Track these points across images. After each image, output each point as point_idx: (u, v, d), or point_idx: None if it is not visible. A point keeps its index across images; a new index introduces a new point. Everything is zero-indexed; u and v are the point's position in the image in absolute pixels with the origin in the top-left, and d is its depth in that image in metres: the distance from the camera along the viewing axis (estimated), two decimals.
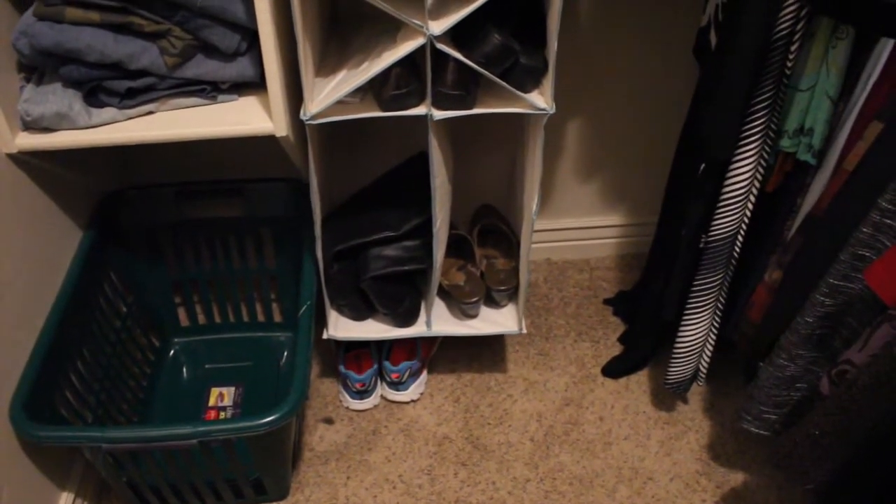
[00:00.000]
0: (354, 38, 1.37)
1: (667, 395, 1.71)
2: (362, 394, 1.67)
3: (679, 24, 1.54)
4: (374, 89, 1.24)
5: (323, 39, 1.35)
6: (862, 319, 1.17)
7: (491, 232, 1.78)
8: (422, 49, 1.15)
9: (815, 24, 1.14)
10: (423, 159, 1.34)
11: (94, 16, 1.18)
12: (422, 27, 1.12)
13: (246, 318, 1.82)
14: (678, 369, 1.57)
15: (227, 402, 1.68)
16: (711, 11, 1.36)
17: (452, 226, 1.66)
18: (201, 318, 1.81)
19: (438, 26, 1.12)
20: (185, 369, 1.77)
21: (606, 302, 1.95)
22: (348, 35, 1.39)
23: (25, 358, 1.28)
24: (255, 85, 1.30)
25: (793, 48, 1.15)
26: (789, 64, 1.17)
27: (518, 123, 1.52)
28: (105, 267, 1.56)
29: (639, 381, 1.76)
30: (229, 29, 1.22)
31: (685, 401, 1.72)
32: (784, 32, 1.14)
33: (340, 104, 1.21)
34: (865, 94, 1.15)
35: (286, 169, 1.53)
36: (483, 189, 1.85)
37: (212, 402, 1.68)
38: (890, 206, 1.08)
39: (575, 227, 1.99)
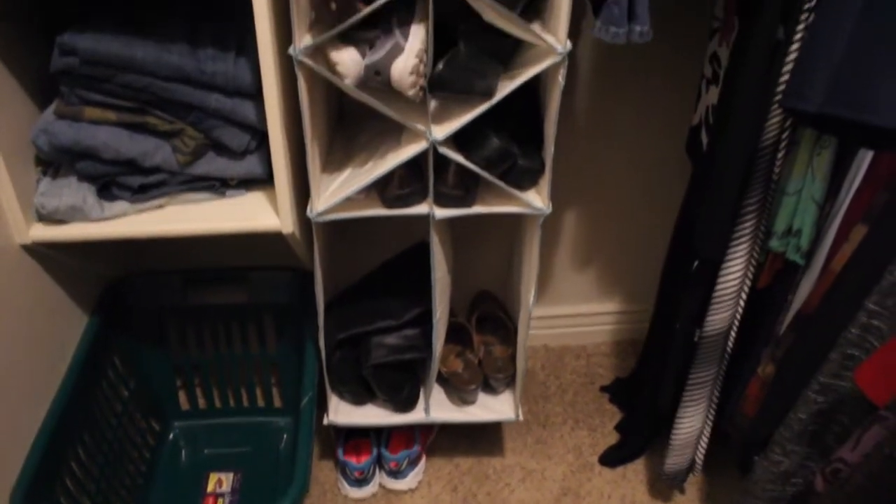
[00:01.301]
0: (359, 135, 1.42)
1: (664, 485, 1.71)
2: (361, 482, 1.67)
3: (673, 122, 1.60)
4: (377, 187, 1.29)
5: (329, 136, 1.41)
6: (853, 417, 1.20)
7: (489, 319, 1.81)
8: (424, 151, 1.20)
9: (799, 133, 1.20)
10: (423, 249, 1.38)
11: (112, 115, 1.24)
12: (425, 132, 1.18)
13: (246, 403, 1.83)
14: (675, 460, 1.58)
15: (226, 488, 1.68)
16: (703, 112, 1.42)
17: (451, 313, 1.69)
18: (201, 402, 1.83)
19: (441, 131, 1.18)
20: (184, 453, 1.78)
21: (603, 389, 1.96)
22: (353, 131, 1.45)
23: (28, 445, 1.29)
24: (263, 180, 1.34)
25: (779, 155, 1.20)
26: (776, 169, 1.22)
27: (516, 216, 1.56)
28: (110, 352, 1.58)
29: (636, 471, 1.77)
30: (240, 129, 1.28)
31: (682, 491, 1.72)
32: (770, 140, 1.20)
33: (345, 200, 1.26)
34: (849, 199, 1.20)
35: (290, 257, 1.57)
36: (481, 275, 1.88)
37: (210, 488, 1.68)
38: (876, 308, 1.12)
39: (572, 314, 2.02)
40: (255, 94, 1.23)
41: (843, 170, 1.21)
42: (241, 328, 1.73)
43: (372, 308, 1.58)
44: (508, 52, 1.18)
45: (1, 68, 1.20)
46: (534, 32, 1.12)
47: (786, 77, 1.12)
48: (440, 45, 1.13)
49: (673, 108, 1.62)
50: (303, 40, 1.11)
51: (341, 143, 1.44)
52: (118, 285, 1.65)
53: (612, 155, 1.75)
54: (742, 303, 1.35)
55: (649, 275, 1.68)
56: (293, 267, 1.66)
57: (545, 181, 1.28)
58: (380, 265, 1.72)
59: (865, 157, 1.17)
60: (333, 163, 1.37)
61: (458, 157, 1.20)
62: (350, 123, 1.50)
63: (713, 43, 1.36)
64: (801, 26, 1.10)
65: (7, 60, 1.21)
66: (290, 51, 1.10)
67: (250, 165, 1.32)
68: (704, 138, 1.41)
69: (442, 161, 1.22)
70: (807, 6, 1.09)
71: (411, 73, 1.11)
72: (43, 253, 1.35)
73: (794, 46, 1.11)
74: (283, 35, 1.13)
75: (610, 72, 1.62)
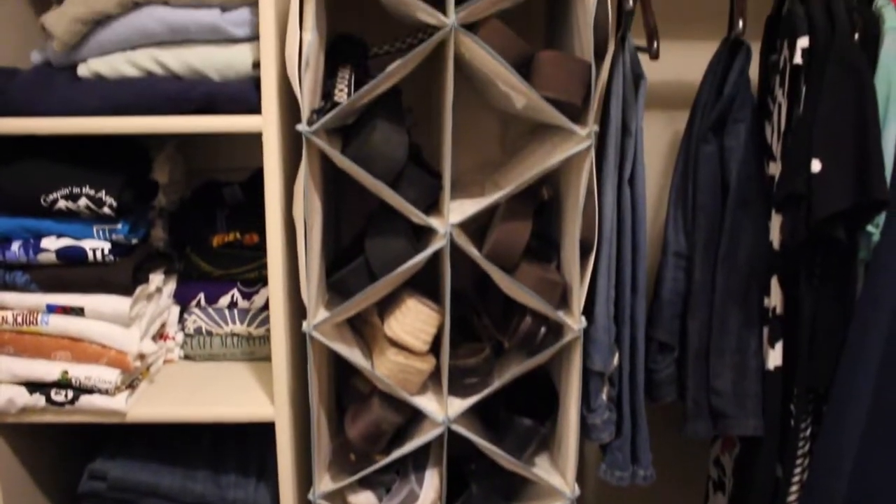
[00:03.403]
0: None
1: None
2: None
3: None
4: None
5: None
6: None
7: None
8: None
9: None
10: None
11: None
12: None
13: None
14: None
15: None
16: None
17: None
18: None
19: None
20: None
21: None
22: None
23: None
24: None
25: None
26: None
27: None
28: None
29: None
30: None
31: None
32: None
33: None
34: None
35: None
36: None
37: None
38: None
39: None
40: None
41: None
42: None
43: None
44: (517, 488, 1.23)
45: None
46: (539, 476, 1.17)
47: None
48: (452, 481, 1.18)
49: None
50: (322, 483, 1.16)
51: None
52: None
53: None
54: None
55: None
56: None
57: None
58: None
59: None
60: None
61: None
62: None
63: (715, 448, 1.41)
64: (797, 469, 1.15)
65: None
66: (310, 495, 1.15)
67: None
68: None
69: None
70: (800, 451, 1.16)
71: None
72: None
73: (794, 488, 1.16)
74: (303, 479, 1.19)
75: None
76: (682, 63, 1.31)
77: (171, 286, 1.29)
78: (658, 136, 1.43)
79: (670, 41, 1.29)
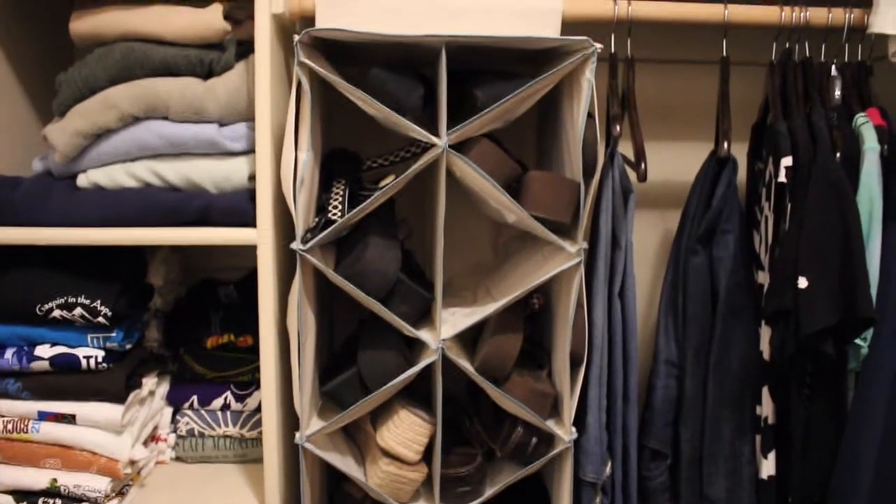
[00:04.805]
0: None
1: None
2: None
3: None
4: None
5: None
6: None
7: None
8: None
9: None
10: None
11: None
12: None
13: None
14: None
15: None
16: None
17: None
18: None
19: None
20: None
21: None
22: None
23: None
24: None
25: None
26: None
27: None
28: None
29: None
30: None
31: None
32: None
33: None
34: None
35: None
36: None
37: None
38: None
39: None
40: None
41: None
42: None
43: None
44: None
45: None
46: None
47: None
48: None
49: None
50: None
51: None
52: None
53: None
54: None
55: None
56: None
57: None
58: None
59: None
60: None
61: None
62: None
63: None
64: None
65: None
66: None
67: None
68: None
69: None
70: None
71: None
72: None
73: None
74: None
75: None
76: (672, 163, 1.34)
77: (164, 388, 1.29)
78: (649, 235, 1.45)
79: (660, 141, 1.33)
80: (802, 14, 1.16)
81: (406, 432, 1.11)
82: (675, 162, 1.34)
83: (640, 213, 1.22)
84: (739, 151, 1.22)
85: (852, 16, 1.17)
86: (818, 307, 1.04)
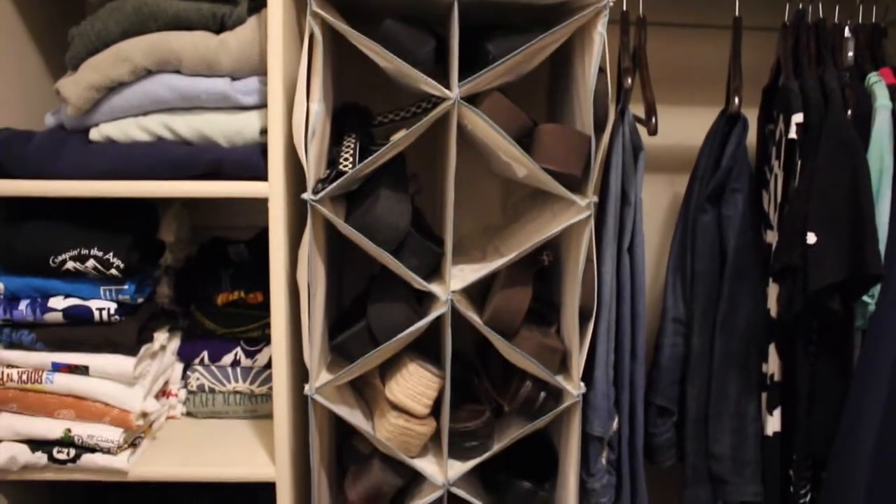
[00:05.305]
0: None
1: None
2: None
3: None
4: None
5: None
6: None
7: None
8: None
9: None
10: None
11: None
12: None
13: None
14: None
15: None
16: None
17: None
18: None
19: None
20: None
21: None
22: None
23: None
24: None
25: None
26: None
27: None
28: None
29: None
30: None
31: None
32: None
33: None
34: None
35: None
36: None
37: None
38: None
39: None
40: None
41: None
42: None
43: None
44: None
45: None
46: None
47: None
48: None
49: None
50: None
51: None
52: None
53: None
54: None
55: None
56: None
57: None
58: None
59: None
60: None
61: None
62: None
63: None
64: None
65: None
66: None
67: None
68: None
69: None
70: None
71: None
72: None
73: None
74: None
75: None
76: (682, 127, 1.33)
77: (175, 344, 1.30)
78: (658, 198, 1.45)
79: (670, 105, 1.32)
80: None
81: (415, 386, 1.12)
82: (685, 126, 1.34)
83: (648, 177, 1.22)
84: (751, 115, 1.22)
85: None
86: (826, 263, 1.04)
